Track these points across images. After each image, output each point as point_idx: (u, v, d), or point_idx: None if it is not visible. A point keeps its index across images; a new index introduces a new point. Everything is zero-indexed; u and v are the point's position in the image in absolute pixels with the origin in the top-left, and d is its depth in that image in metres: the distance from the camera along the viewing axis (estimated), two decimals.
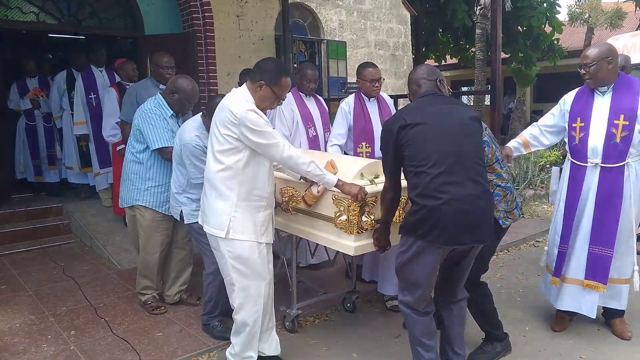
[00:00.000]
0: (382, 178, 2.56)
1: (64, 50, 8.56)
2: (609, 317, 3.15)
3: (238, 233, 2.42)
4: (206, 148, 2.66)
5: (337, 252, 3.31)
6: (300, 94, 3.97)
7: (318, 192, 2.68)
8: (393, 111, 3.77)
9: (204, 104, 3.62)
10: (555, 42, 13.37)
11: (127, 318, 3.37)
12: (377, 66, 3.71)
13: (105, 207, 5.37)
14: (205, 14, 6.69)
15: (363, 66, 3.69)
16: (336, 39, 8.46)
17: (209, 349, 2.97)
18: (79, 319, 3.36)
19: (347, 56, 8.59)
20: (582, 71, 2.93)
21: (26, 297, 3.70)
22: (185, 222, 3.09)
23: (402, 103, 6.59)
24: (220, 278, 2.68)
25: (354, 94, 3.77)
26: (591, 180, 2.92)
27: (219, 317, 3.09)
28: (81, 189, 5.87)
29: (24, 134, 6.01)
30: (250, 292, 2.48)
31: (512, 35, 12.36)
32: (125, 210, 3.48)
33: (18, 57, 7.01)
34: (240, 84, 4.11)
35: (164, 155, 3.18)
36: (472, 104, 14.81)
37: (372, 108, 3.71)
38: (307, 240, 3.22)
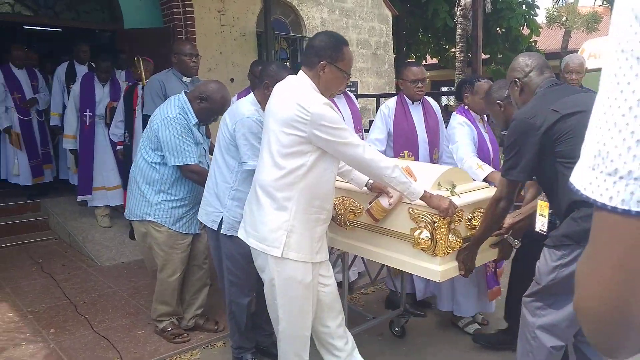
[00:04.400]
0: (462, 187, 2.35)
1: (41, 43, 8.37)
2: None
3: (293, 251, 2.02)
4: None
5: (382, 267, 2.96)
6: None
7: (390, 204, 2.27)
8: (440, 116, 3.39)
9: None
10: (533, 44, 13.64)
11: (108, 316, 3.33)
12: (421, 65, 3.30)
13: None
14: (186, 9, 6.62)
15: (405, 64, 3.33)
16: None
17: (192, 347, 2.96)
18: (58, 316, 3.31)
19: None
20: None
21: (3, 294, 3.63)
22: (223, 233, 2.49)
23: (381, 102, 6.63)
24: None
25: (396, 96, 3.38)
26: None
27: (252, 350, 2.73)
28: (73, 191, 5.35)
29: (18, 130, 5.37)
30: (298, 320, 2.13)
31: (492, 36, 12.56)
32: (133, 223, 2.97)
33: None
34: (251, 77, 3.97)
35: (187, 173, 2.73)
36: (452, 104, 14.98)
37: (416, 112, 3.28)
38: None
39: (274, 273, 2.06)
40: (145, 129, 2.85)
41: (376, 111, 6.71)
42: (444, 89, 20.46)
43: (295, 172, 2.00)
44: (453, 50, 14.02)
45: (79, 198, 4.94)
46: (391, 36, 9.89)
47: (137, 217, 2.82)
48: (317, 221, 2.07)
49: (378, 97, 6.19)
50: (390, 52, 9.89)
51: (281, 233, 2.01)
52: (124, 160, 4.65)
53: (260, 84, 2.47)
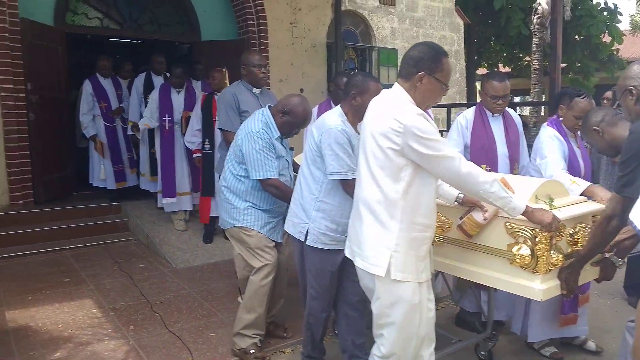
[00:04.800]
0: (560, 201, 2.24)
1: (125, 54, 8.89)
2: None
3: (399, 272, 1.95)
4: (351, 140, 2.36)
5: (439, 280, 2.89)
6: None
7: (485, 219, 2.18)
8: (521, 129, 3.27)
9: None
10: (615, 52, 12.88)
11: (182, 316, 3.45)
12: (505, 79, 3.10)
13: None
14: (260, 21, 6.83)
15: (487, 77, 3.18)
16: (387, 46, 8.44)
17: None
18: (137, 314, 3.47)
19: (398, 63, 8.56)
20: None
21: (88, 291, 3.87)
22: (308, 244, 2.48)
23: (454, 113, 6.47)
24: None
25: (474, 106, 3.25)
26: None
27: None
28: (152, 195, 5.66)
29: (104, 137, 5.68)
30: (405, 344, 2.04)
31: (570, 44, 12.00)
32: (226, 232, 2.99)
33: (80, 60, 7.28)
34: (334, 89, 3.87)
35: (267, 186, 2.77)
36: (527, 115, 14.42)
37: (496, 125, 3.15)
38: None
39: (380, 293, 1.99)
40: (232, 143, 2.93)
41: (447, 122, 6.59)
42: (517, 98, 19.80)
43: (393, 187, 1.93)
44: (527, 59, 13.51)
45: (164, 200, 5.12)
46: (462, 45, 9.70)
47: (229, 225, 2.89)
48: (422, 240, 1.99)
49: (449, 107, 6.06)
50: (461, 60, 9.69)
51: (386, 252, 1.94)
52: (203, 168, 4.83)
53: (346, 95, 2.46)
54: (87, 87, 5.61)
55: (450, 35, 9.39)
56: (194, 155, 4.95)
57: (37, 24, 5.47)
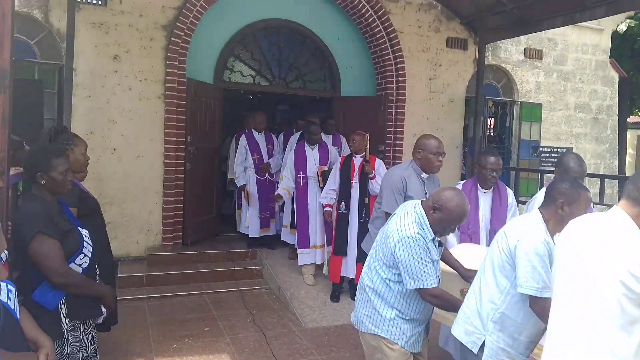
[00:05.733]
0: None
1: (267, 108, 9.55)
2: None
3: None
4: (552, 253, 2.11)
5: None
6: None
7: None
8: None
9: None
10: None
11: None
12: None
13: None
14: (399, 78, 6.91)
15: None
16: (531, 100, 8.02)
17: None
18: None
19: (542, 119, 8.08)
20: None
21: (225, 345, 4.10)
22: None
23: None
24: None
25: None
26: None
27: None
28: (290, 247, 5.88)
29: (254, 188, 6.04)
30: None
31: None
32: (362, 335, 2.72)
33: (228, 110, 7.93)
34: (475, 171, 3.70)
35: (427, 296, 2.47)
36: None
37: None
38: None
39: None
40: (379, 239, 2.65)
41: (599, 195, 5.95)
42: None
43: (622, 342, 1.56)
44: None
45: (298, 251, 5.35)
46: (616, 99, 8.87)
47: (368, 330, 2.62)
48: None
49: (602, 179, 5.44)
50: (614, 116, 8.86)
51: None
52: (338, 228, 4.95)
53: (551, 202, 2.30)
54: (242, 141, 6.10)
55: (603, 90, 8.64)
56: (325, 208, 5.09)
57: (200, 82, 6.11)
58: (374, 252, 2.65)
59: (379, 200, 3.76)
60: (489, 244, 3.33)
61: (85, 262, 2.46)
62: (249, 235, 6.12)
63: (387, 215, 3.36)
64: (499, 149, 8.22)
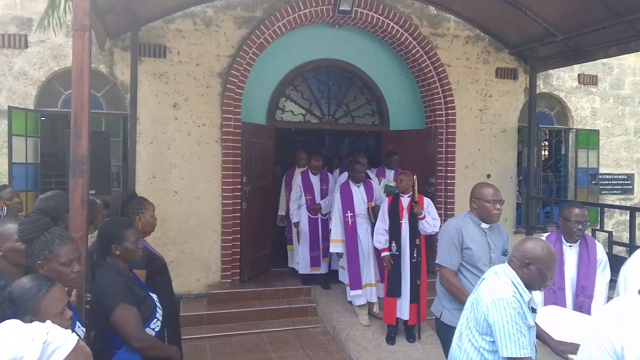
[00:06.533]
0: None
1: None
2: None
3: None
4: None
5: None
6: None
7: None
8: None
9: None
10: None
11: None
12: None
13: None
14: (449, 111, 6.91)
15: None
16: (587, 127, 7.80)
17: None
18: None
19: (600, 145, 7.83)
20: None
21: None
22: None
23: None
24: None
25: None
26: None
27: None
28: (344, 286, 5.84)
29: (306, 227, 6.14)
30: None
31: None
32: None
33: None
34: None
35: None
36: None
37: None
38: None
39: None
40: (469, 306, 2.49)
41: (630, 229, 5.65)
42: None
43: None
44: None
45: (351, 292, 5.38)
46: None
47: None
48: None
49: (632, 211, 5.19)
50: None
51: None
52: (391, 269, 4.96)
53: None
54: (297, 180, 6.25)
55: None
56: (382, 254, 5.09)
57: (254, 125, 6.35)
58: (464, 320, 2.49)
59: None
60: (575, 303, 3.23)
61: (158, 325, 2.64)
62: (299, 272, 6.22)
63: (441, 268, 3.25)
64: (555, 178, 8.03)
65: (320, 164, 6.31)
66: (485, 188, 3.29)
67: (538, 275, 2.33)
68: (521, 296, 2.30)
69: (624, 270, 3.01)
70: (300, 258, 6.19)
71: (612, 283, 3.25)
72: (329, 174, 6.49)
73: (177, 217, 5.92)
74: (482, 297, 2.35)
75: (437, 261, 3.37)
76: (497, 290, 2.30)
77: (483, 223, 3.25)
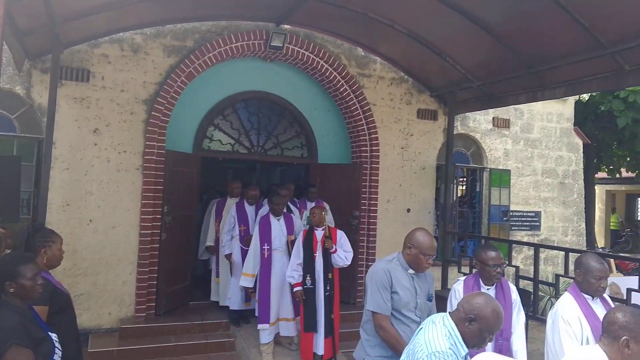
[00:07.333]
0: None
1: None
2: None
3: None
4: None
5: None
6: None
7: None
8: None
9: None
10: None
11: None
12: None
13: None
14: (373, 148, 7.17)
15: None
16: (500, 167, 8.35)
17: None
18: None
19: (511, 184, 8.40)
20: None
21: None
22: None
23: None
24: None
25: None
26: None
27: None
28: None
29: (239, 259, 5.85)
30: None
31: None
32: None
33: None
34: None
35: None
36: None
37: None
38: None
39: None
40: (404, 357, 2.39)
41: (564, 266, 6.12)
42: None
43: None
44: None
45: (258, 326, 5.28)
46: (581, 164, 9.28)
47: None
48: None
49: (567, 252, 5.68)
50: (579, 180, 9.25)
51: None
52: (305, 304, 4.98)
53: (613, 339, 2.20)
54: (232, 210, 6.06)
55: (568, 156, 9.06)
56: (295, 288, 5.08)
57: (179, 153, 6.26)
58: None
59: (365, 300, 3.31)
60: (495, 346, 3.23)
61: None
62: (230, 307, 5.97)
63: (374, 314, 3.05)
64: (471, 214, 8.49)
65: (257, 194, 6.20)
66: (424, 238, 3.11)
67: (478, 334, 2.25)
68: (458, 349, 2.21)
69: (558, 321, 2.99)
70: (231, 293, 5.94)
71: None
72: (264, 204, 6.40)
73: (90, 246, 5.67)
74: (417, 349, 2.24)
75: (368, 307, 3.15)
76: (433, 342, 2.20)
77: (410, 269, 3.14)
